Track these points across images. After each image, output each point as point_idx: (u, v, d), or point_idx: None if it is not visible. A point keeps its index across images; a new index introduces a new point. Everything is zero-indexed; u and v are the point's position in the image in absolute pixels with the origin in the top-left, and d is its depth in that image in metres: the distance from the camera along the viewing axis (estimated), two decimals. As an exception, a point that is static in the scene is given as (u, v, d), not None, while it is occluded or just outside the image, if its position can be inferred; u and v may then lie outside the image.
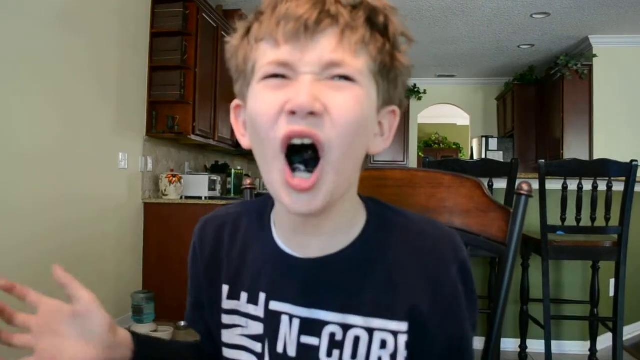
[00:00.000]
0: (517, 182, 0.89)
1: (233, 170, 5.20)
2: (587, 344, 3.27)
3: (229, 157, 5.98)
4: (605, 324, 3.07)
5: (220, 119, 4.79)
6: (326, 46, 0.60)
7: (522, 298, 3.21)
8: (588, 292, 3.19)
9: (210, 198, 4.28)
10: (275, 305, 0.70)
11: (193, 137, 4.27)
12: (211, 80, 4.54)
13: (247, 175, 6.09)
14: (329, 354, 0.66)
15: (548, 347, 2.85)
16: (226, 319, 0.75)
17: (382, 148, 0.69)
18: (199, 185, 4.36)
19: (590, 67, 6.31)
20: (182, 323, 3.79)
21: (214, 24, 4.54)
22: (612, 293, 3.29)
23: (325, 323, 0.67)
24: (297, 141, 0.59)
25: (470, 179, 0.92)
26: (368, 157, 0.70)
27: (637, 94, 6.19)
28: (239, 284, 0.74)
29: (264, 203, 0.76)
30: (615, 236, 2.85)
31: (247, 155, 6.23)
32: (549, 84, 6.92)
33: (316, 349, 0.67)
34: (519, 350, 3.28)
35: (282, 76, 0.61)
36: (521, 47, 6.72)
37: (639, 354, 3.38)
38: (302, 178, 0.60)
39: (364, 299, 0.67)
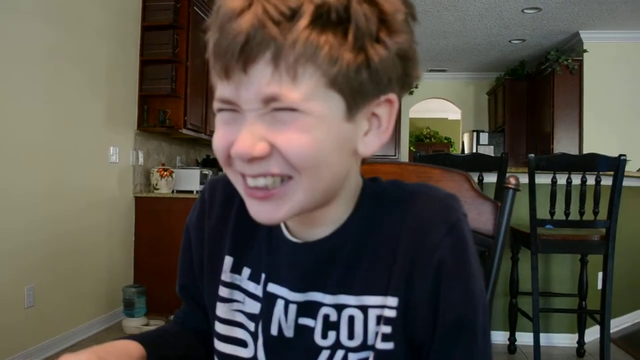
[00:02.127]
0: (507, 176, 0.90)
1: (224, 164, 5.20)
2: (576, 336, 3.32)
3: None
4: (593, 317, 3.10)
5: (212, 113, 4.76)
6: (261, 79, 0.53)
7: (511, 291, 3.25)
8: (576, 285, 3.23)
9: (202, 192, 4.28)
10: (272, 288, 0.69)
11: (184, 131, 4.26)
12: (203, 74, 4.53)
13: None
14: (324, 336, 0.65)
15: (536, 339, 2.88)
16: (224, 291, 0.72)
17: (379, 144, 0.62)
18: (190, 179, 4.35)
19: (580, 62, 6.36)
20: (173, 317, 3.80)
21: (205, 17, 4.52)
22: (600, 286, 3.33)
23: (320, 305, 0.66)
24: (250, 182, 0.58)
25: (458, 173, 0.93)
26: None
27: (627, 89, 6.24)
28: (243, 258, 0.72)
29: None
30: (603, 230, 2.89)
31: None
32: (540, 78, 6.97)
33: (311, 330, 0.66)
34: (508, 343, 3.33)
35: (232, 110, 0.57)
36: (512, 42, 6.75)
37: (627, 347, 3.43)
38: (254, 185, 0.58)
39: (356, 278, 0.65)
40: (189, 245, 0.79)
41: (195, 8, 4.30)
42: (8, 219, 2.79)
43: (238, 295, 0.71)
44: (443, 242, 0.62)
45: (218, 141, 0.59)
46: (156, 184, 4.10)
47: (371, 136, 0.61)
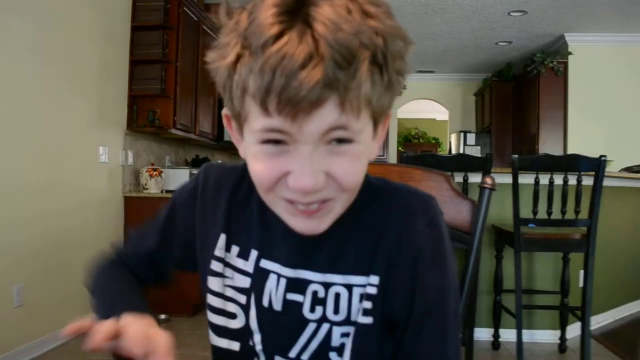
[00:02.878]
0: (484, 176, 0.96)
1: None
2: (558, 332, 3.39)
3: (209, 151, 6.00)
4: (575, 314, 3.17)
5: (201, 113, 4.81)
6: (326, 117, 0.57)
7: (495, 289, 3.31)
8: (559, 283, 3.31)
9: (191, 191, 4.29)
10: (265, 264, 0.75)
11: (174, 131, 4.28)
12: (192, 74, 4.55)
13: (228, 169, 6.09)
14: (312, 310, 0.72)
15: (519, 336, 2.94)
16: (217, 266, 0.78)
17: (378, 149, 0.70)
18: (179, 179, 4.37)
19: (565, 65, 6.45)
20: (162, 316, 3.82)
21: (195, 18, 4.55)
22: (581, 284, 3.40)
23: (309, 282, 0.73)
24: (301, 207, 0.63)
25: (439, 173, 0.99)
26: None
27: (610, 91, 6.35)
28: (233, 236, 0.78)
29: None
30: (585, 229, 2.96)
31: (228, 150, 6.25)
32: (526, 80, 7.06)
33: (300, 305, 0.73)
34: (492, 339, 3.39)
35: (279, 141, 0.60)
36: (499, 44, 6.84)
37: (607, 343, 3.51)
38: (305, 208, 0.64)
39: (344, 258, 0.72)
40: (173, 218, 0.84)
41: (185, 9, 4.33)
42: (-2, 218, 2.81)
43: (228, 271, 0.78)
44: (423, 232, 0.70)
45: (264, 173, 0.62)
46: (145, 184, 4.12)
47: (373, 146, 0.69)
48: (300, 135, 0.58)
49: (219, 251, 0.79)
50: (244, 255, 0.77)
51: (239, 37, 0.59)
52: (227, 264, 0.78)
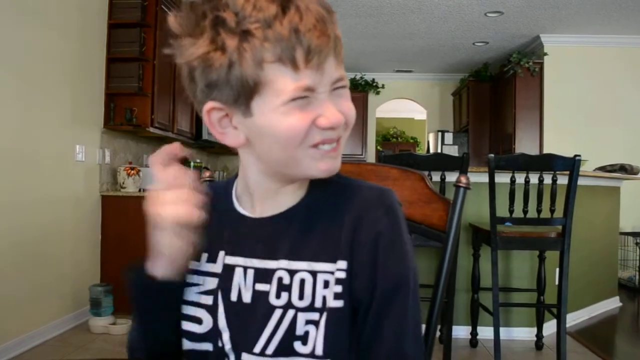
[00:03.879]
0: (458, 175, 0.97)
1: (192, 163, 5.19)
2: (534, 330, 3.44)
3: (187, 150, 5.95)
4: (550, 311, 3.22)
5: (179, 111, 4.77)
6: (331, 65, 0.71)
7: (473, 287, 3.34)
8: (535, 281, 3.35)
9: (169, 191, 4.25)
10: (230, 260, 0.81)
11: (152, 129, 4.24)
12: (170, 72, 4.51)
13: (207, 168, 6.07)
14: (278, 296, 0.76)
15: (497, 333, 2.98)
16: (187, 277, 0.83)
17: None
18: (157, 178, 4.33)
19: (541, 65, 6.54)
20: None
21: (172, 16, 4.50)
22: (557, 281, 3.45)
23: (274, 270, 0.77)
24: (327, 147, 0.73)
25: (414, 173, 0.99)
26: None
27: (585, 91, 6.45)
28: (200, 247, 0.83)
29: (229, 181, 0.89)
30: (560, 227, 3.00)
31: (207, 148, 6.21)
32: (502, 80, 7.13)
33: (267, 293, 0.77)
34: (470, 337, 3.43)
35: (305, 97, 0.70)
36: (476, 44, 6.90)
37: (582, 339, 3.57)
38: (330, 148, 0.74)
39: (308, 246, 0.78)
40: None
41: (162, 6, 4.29)
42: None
43: (197, 278, 0.82)
44: (381, 219, 0.77)
45: (299, 122, 0.71)
46: (123, 183, 4.08)
47: None
48: (320, 85, 0.70)
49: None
50: (212, 258, 0.83)
51: (232, 23, 0.67)
52: (198, 272, 0.82)
